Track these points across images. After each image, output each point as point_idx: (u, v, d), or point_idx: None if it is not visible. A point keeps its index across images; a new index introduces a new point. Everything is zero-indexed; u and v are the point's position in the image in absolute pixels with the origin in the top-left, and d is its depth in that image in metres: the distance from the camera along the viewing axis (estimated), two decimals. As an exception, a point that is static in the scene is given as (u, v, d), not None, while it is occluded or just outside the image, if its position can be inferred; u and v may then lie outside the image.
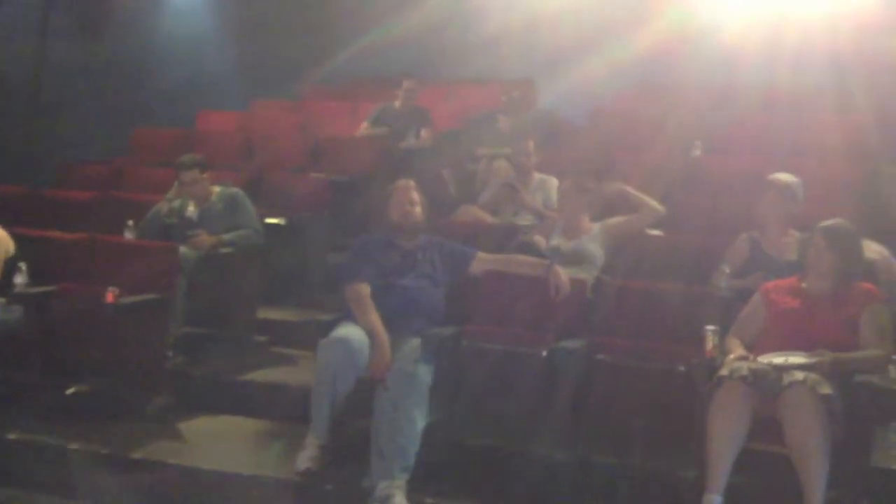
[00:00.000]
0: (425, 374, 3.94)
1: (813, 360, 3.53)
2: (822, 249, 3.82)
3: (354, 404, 3.98)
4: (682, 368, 3.82)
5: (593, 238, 5.05)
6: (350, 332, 4.04)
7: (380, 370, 3.94)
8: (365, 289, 4.22)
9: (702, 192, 5.62)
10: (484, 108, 7.65)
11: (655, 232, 5.04)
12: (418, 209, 4.44)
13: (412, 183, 4.51)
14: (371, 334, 4.04)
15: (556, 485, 3.80)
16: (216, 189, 5.57)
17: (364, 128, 7.63)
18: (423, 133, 7.41)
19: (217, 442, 4.38)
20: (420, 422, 3.83)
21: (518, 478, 3.89)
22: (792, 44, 6.78)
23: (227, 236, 5.34)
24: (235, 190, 5.59)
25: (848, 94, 6.31)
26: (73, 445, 4.22)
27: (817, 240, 3.85)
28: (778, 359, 3.59)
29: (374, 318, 4.10)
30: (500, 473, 3.93)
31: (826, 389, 3.38)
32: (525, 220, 5.71)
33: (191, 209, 5.47)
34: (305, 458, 3.86)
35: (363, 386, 3.96)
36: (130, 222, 5.38)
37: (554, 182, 5.81)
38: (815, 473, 3.30)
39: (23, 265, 4.70)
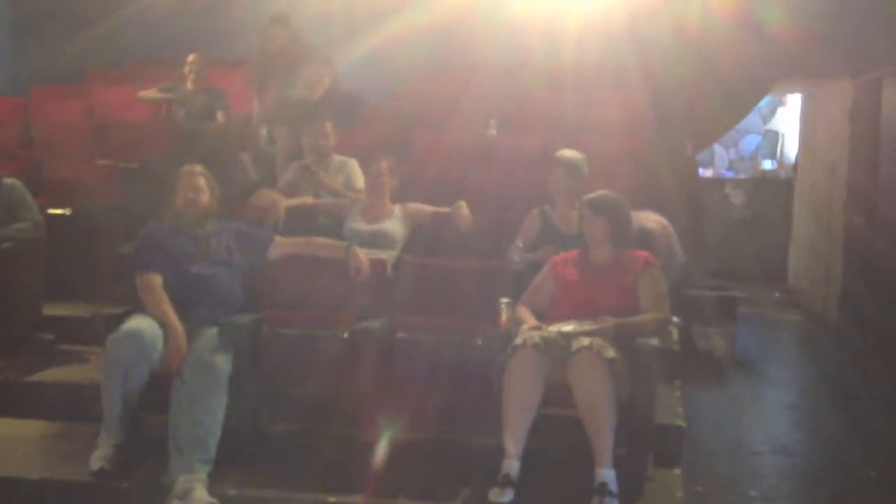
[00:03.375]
0: (224, 363, 3.86)
1: (597, 326, 3.72)
2: (590, 220, 4.02)
3: (151, 398, 3.86)
4: (479, 341, 3.93)
5: (395, 219, 5.10)
6: (141, 324, 3.90)
7: (175, 361, 3.84)
8: (156, 278, 4.09)
9: (497, 170, 5.77)
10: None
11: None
12: (204, 196, 4.32)
13: (197, 168, 4.37)
14: (164, 324, 3.92)
15: (361, 465, 3.81)
16: (-10, 179, 5.20)
17: (153, 91, 7.31)
18: (219, 115, 7.21)
19: (2, 447, 4.11)
20: (219, 412, 3.76)
21: (324, 461, 3.89)
22: (573, 23, 7.06)
23: (4, 230, 5.01)
24: (11, 180, 5.23)
25: (624, 72, 6.65)
26: None
27: (584, 211, 4.05)
28: (566, 327, 3.76)
29: (167, 308, 3.98)
30: (305, 458, 3.91)
31: (610, 353, 3.58)
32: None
33: (-39, 201, 5.10)
34: (98, 458, 3.72)
35: (158, 379, 3.84)
36: None
37: (354, 164, 5.80)
38: (604, 432, 3.49)
39: None
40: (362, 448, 3.87)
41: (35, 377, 4.70)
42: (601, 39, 6.85)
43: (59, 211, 5.62)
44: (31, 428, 4.36)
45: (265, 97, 6.73)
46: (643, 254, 4.01)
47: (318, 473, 3.80)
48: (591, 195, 4.07)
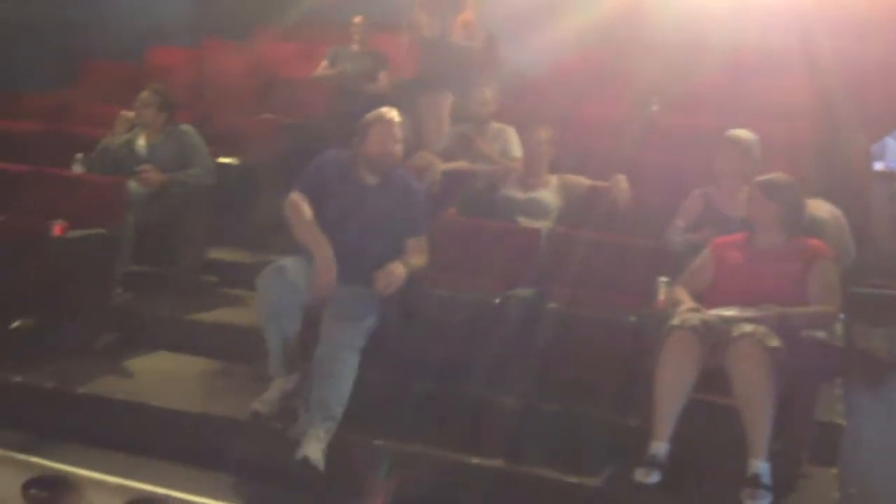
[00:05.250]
0: (360, 327, 3.79)
1: (761, 313, 3.58)
2: (761, 203, 3.85)
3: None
4: (632, 318, 3.86)
5: (551, 190, 5.07)
6: (286, 261, 3.88)
7: (323, 284, 3.78)
8: (306, 201, 3.97)
9: (659, 147, 5.64)
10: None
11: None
12: (399, 147, 4.13)
13: (397, 117, 4.15)
14: (311, 245, 3.83)
15: (504, 431, 3.82)
16: (168, 124, 5.44)
17: (322, 67, 7.49)
18: (381, 76, 7.31)
19: (164, 379, 4.34)
20: (349, 374, 3.71)
21: (468, 424, 3.88)
22: (759, 4, 6.76)
23: (178, 175, 5.24)
24: (186, 127, 5.47)
25: (814, 56, 6.34)
26: (17, 378, 4.14)
27: (755, 193, 3.88)
28: (727, 311, 3.64)
29: (315, 229, 3.85)
30: (445, 419, 3.91)
31: (774, 342, 3.43)
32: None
33: (140, 144, 5.37)
34: (262, 401, 3.82)
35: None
36: (79, 155, 5.26)
37: (512, 132, 5.78)
38: (761, 424, 3.36)
39: (-34, 195, 4.59)
40: (506, 415, 3.89)
41: (196, 316, 4.93)
42: (789, 21, 6.53)
43: (227, 160, 5.82)
44: (191, 364, 4.58)
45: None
46: (815, 242, 3.82)
47: (462, 435, 3.80)
48: (765, 177, 3.90)
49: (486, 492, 3.59)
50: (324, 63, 7.50)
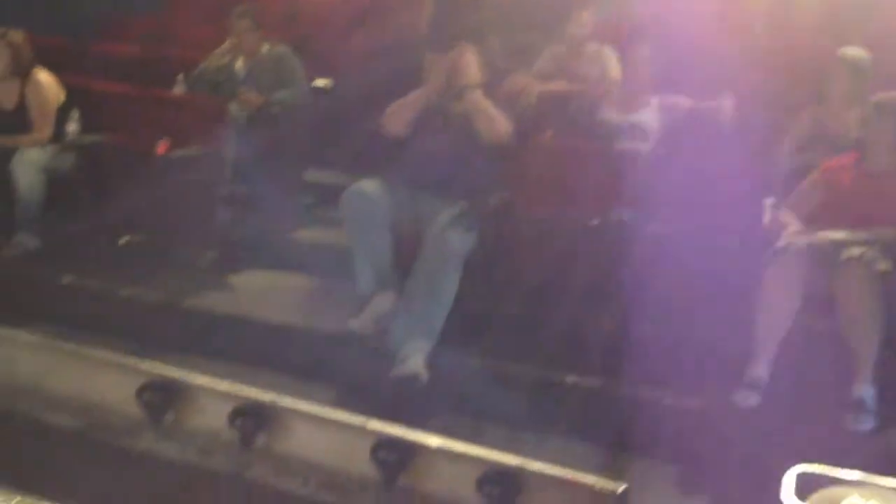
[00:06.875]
0: (460, 242, 3.84)
1: (871, 236, 3.47)
2: (876, 123, 3.71)
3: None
4: (735, 241, 3.78)
5: (650, 111, 4.94)
6: (365, 183, 4.02)
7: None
8: None
9: (768, 68, 5.43)
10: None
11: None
12: (470, 75, 4.28)
13: (467, 51, 4.33)
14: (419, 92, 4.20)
15: (598, 351, 3.79)
16: (265, 46, 5.48)
17: None
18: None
19: (264, 295, 4.47)
20: (450, 290, 3.78)
21: (559, 344, 3.87)
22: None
23: (275, 96, 5.29)
24: (284, 48, 5.51)
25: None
26: (125, 291, 4.29)
27: (871, 114, 3.75)
28: (836, 235, 3.53)
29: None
30: (541, 340, 3.87)
31: (883, 266, 3.34)
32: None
33: (239, 65, 5.42)
34: (358, 320, 3.86)
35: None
36: (181, 76, 5.34)
37: (610, 52, 5.65)
38: (867, 348, 3.29)
39: (75, 113, 4.71)
40: (602, 335, 3.86)
41: (295, 235, 5.04)
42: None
43: (322, 82, 5.83)
44: (289, 280, 4.69)
45: None
46: (930, 164, 3.67)
47: (558, 354, 3.78)
48: (882, 96, 3.74)
49: (580, 411, 3.60)
50: None
